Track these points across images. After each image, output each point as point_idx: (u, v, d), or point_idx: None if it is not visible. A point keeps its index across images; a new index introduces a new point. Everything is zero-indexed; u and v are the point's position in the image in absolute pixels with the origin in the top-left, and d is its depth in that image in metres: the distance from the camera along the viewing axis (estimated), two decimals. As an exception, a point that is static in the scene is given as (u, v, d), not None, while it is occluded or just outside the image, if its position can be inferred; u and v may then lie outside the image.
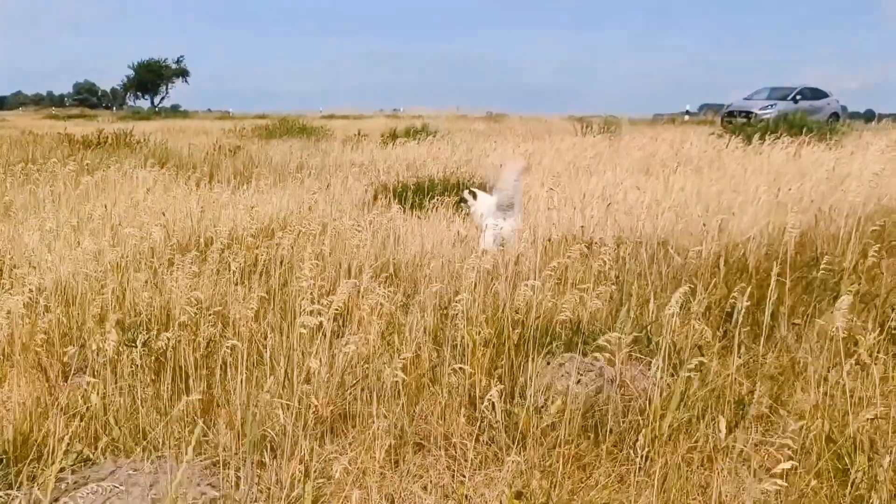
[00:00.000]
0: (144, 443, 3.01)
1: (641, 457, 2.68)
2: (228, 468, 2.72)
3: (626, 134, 17.73)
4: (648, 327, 3.94)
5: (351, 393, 3.27)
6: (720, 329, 4.12)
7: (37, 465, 2.76)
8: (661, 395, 2.97)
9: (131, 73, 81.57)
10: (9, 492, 2.38)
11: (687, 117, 33.27)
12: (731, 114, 24.01)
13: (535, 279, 4.03)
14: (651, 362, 3.53)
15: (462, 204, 6.67)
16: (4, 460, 2.82)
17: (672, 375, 3.39)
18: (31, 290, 4.24)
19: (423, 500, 2.72)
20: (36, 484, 2.52)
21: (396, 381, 3.21)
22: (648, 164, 10.89)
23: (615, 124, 20.68)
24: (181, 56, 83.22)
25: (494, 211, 5.89)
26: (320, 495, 2.65)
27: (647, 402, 3.06)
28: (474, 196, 6.47)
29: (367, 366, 3.41)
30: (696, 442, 2.85)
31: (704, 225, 5.65)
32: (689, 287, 3.37)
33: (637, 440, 2.72)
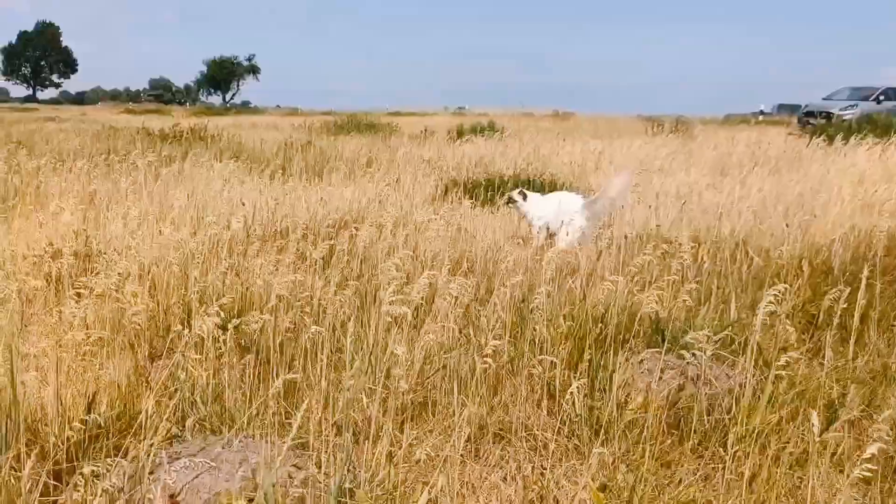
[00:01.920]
0: (230, 423, 3.09)
1: (731, 456, 2.62)
2: (312, 450, 2.78)
3: (698, 134, 17.37)
4: (730, 327, 3.86)
5: (431, 381, 3.29)
6: (805, 332, 4.01)
7: (131, 440, 2.86)
8: (749, 395, 2.90)
9: (205, 69, 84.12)
10: (108, 460, 2.47)
11: (762, 117, 32.32)
12: (809, 114, 23.28)
13: (613, 276, 3.98)
14: (734, 362, 3.46)
15: (510, 204, 6.67)
16: (100, 434, 2.94)
17: (755, 376, 3.31)
18: (119, 275, 4.40)
19: (503, 490, 2.72)
20: (133, 456, 2.61)
21: (476, 372, 3.22)
22: (724, 164, 10.64)
23: (687, 124, 20.28)
24: (252, 53, 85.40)
25: (583, 211, 5.87)
26: (403, 480, 2.67)
27: (734, 401, 2.99)
28: (524, 196, 6.47)
29: (446, 356, 3.43)
30: (786, 443, 2.77)
31: (787, 226, 5.49)
32: (775, 289, 3.27)
33: (726, 439, 2.66)
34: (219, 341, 3.57)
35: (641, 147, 13.24)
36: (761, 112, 34.96)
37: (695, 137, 16.24)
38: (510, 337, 3.78)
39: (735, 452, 2.69)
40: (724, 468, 2.68)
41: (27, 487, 2.49)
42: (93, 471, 2.44)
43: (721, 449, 2.79)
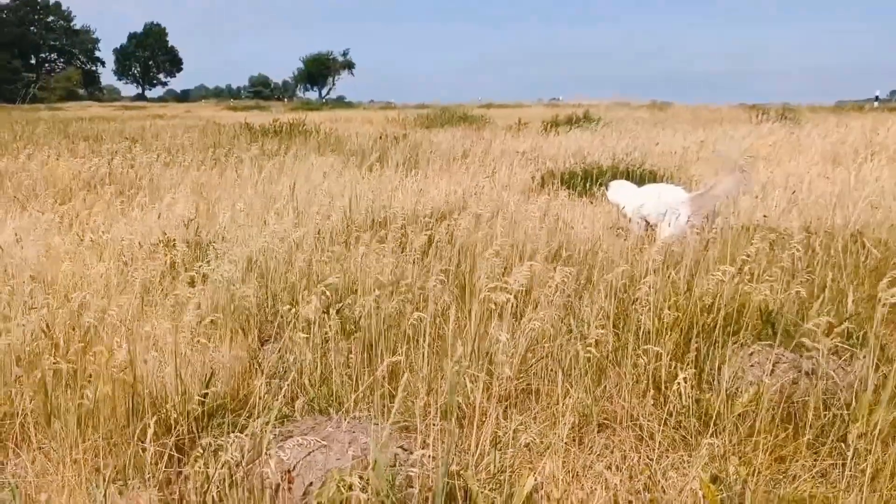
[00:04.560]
0: (337, 404, 3.19)
1: (853, 452, 2.51)
2: (419, 433, 2.83)
3: (806, 122, 16.58)
4: (847, 321, 3.68)
5: (533, 369, 3.29)
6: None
7: (245, 418, 2.99)
8: (870, 391, 2.77)
9: (302, 66, 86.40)
10: (229, 436, 2.59)
11: (877, 103, 30.39)
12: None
13: (720, 267, 3.87)
14: (852, 356, 3.30)
15: (607, 188, 6.59)
16: (216, 412, 3.09)
17: (876, 370, 3.15)
18: (229, 263, 4.59)
19: (608, 478, 2.69)
20: (250, 433, 2.73)
21: (579, 361, 3.20)
22: (836, 152, 10.12)
23: (793, 111, 19.37)
24: (347, 49, 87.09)
25: (689, 204, 5.71)
26: (507, 465, 2.69)
27: (854, 397, 2.86)
28: (620, 187, 6.38)
29: (549, 344, 3.42)
30: (912, 442, 2.63)
31: (909, 215, 5.18)
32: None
33: (844, 434, 2.55)
34: (324, 325, 3.68)
35: (745, 136, 12.76)
36: (876, 98, 32.74)
37: (803, 125, 15.52)
38: (613, 327, 3.74)
39: (855, 449, 2.58)
40: (843, 464, 2.56)
41: (154, 459, 2.65)
42: (212, 443, 2.57)
43: (841, 444, 2.67)
